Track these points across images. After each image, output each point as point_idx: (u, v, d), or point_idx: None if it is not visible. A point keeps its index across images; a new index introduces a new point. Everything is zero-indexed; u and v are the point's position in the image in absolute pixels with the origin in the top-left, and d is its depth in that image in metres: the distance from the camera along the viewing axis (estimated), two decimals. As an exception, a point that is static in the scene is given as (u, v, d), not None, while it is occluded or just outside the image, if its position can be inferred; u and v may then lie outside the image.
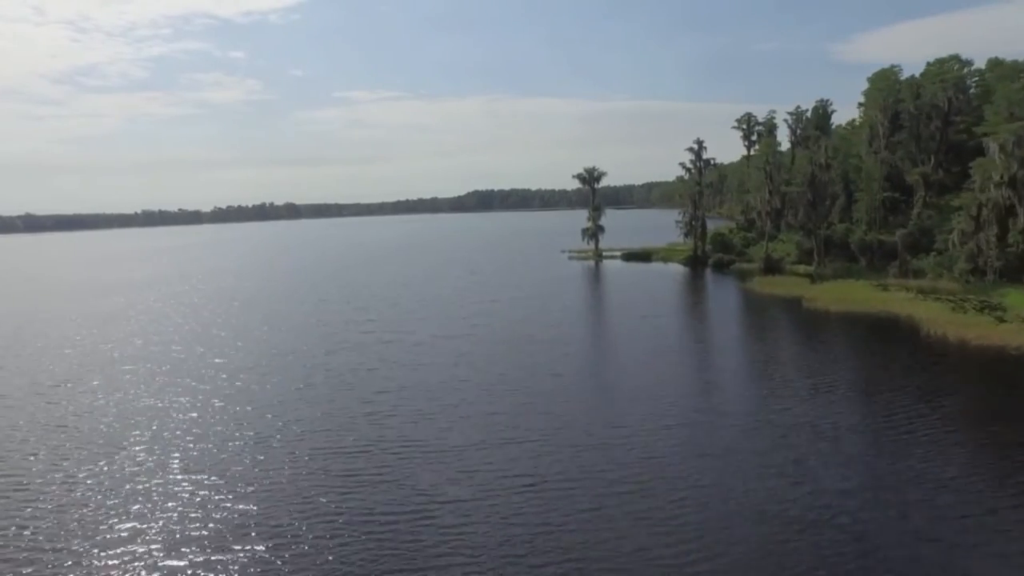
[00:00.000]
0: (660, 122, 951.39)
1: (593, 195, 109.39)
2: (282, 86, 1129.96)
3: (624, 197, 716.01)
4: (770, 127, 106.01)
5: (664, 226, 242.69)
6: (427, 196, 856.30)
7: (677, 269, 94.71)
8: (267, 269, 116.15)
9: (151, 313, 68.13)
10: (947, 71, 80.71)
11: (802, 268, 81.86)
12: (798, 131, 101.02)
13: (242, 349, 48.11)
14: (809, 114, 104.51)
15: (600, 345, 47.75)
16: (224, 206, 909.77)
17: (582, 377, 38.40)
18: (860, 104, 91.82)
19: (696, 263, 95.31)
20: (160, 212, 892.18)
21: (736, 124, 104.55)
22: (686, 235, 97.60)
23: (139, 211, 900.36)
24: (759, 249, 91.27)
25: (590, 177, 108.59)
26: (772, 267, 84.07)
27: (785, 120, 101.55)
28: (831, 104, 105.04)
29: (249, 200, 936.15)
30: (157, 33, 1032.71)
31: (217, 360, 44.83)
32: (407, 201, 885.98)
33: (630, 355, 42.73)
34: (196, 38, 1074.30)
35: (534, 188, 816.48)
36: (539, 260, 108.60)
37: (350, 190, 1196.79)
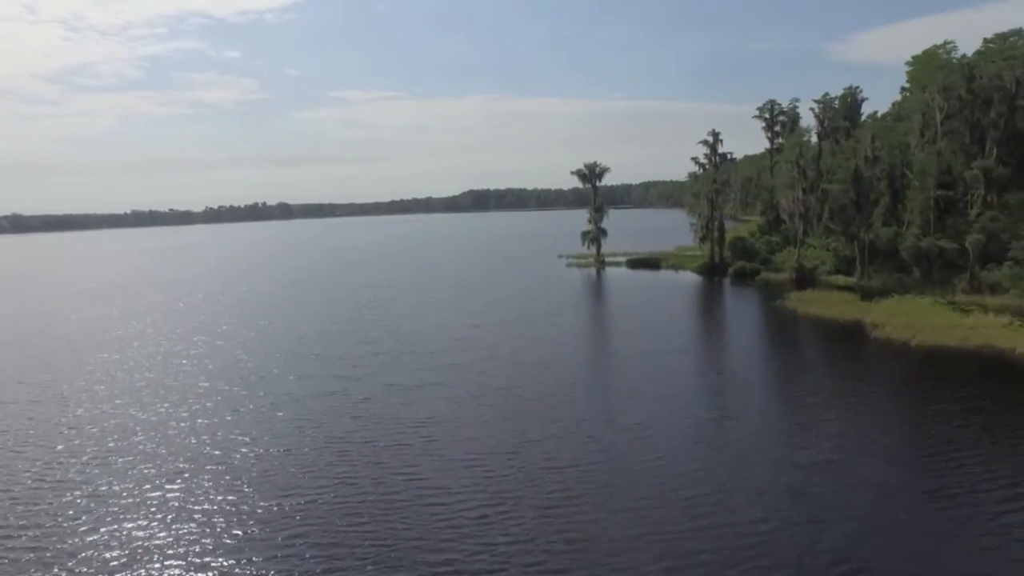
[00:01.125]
0: (657, 122, 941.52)
1: (595, 194, 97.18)
2: (277, 86, 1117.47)
3: (622, 197, 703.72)
4: (793, 118, 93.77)
5: (668, 227, 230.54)
6: (424, 196, 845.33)
7: (691, 279, 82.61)
8: (229, 281, 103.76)
9: (73, 339, 55.82)
10: (1011, 48, 68.68)
11: (841, 279, 69.75)
12: (826, 122, 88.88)
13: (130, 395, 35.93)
14: (836, 103, 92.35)
15: (608, 406, 35.26)
16: (216, 206, 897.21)
17: (585, 467, 26.02)
18: (903, 89, 79.79)
19: (713, 272, 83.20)
20: (151, 212, 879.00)
21: (758, 113, 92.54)
22: (702, 239, 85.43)
23: (129, 211, 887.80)
24: (787, 256, 79.17)
25: (591, 173, 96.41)
26: (805, 278, 72.03)
27: (812, 109, 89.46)
28: (861, 92, 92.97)
29: (244, 200, 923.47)
30: (152, 32, 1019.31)
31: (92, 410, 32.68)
32: (401, 201, 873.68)
33: (650, 427, 29.96)
34: (191, 37, 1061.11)
35: (530, 188, 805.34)
36: (533, 268, 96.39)
37: (345, 190, 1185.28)
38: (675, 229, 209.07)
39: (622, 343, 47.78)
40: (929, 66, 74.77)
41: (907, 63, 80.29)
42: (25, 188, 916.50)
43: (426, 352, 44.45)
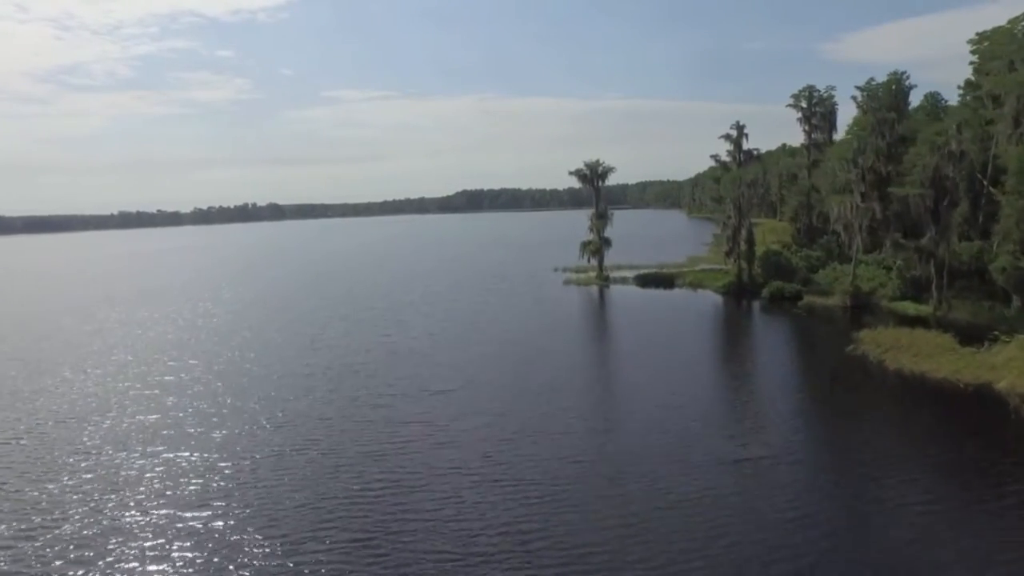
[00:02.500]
0: (652, 121, 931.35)
1: (597, 197, 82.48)
2: (271, 85, 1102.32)
3: (618, 197, 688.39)
4: (829, 108, 78.87)
5: (673, 233, 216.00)
6: (418, 195, 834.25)
7: (714, 302, 68.24)
8: (176, 303, 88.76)
9: None
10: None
11: (909, 307, 55.36)
12: (870, 112, 74.37)
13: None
14: (880, 92, 77.87)
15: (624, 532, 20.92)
16: (205, 207, 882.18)
17: None
18: (975, 70, 65.39)
19: (741, 293, 68.91)
20: (138, 213, 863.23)
21: (793, 102, 77.50)
22: (728, 253, 70.92)
23: (116, 212, 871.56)
24: (836, 276, 64.76)
25: (593, 174, 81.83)
26: (863, 305, 57.72)
27: (854, 98, 74.95)
28: (908, 77, 78.34)
29: (236, 200, 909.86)
30: (144, 32, 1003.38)
31: None
32: (394, 201, 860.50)
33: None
34: (183, 37, 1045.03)
35: (525, 188, 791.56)
36: (524, 285, 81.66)
37: (338, 190, 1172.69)
38: (681, 235, 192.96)
39: (643, 422, 33.12)
40: (1002, 43, 60.74)
41: (971, 41, 66.36)
42: (11, 188, 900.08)
43: (351, 450, 29.72)
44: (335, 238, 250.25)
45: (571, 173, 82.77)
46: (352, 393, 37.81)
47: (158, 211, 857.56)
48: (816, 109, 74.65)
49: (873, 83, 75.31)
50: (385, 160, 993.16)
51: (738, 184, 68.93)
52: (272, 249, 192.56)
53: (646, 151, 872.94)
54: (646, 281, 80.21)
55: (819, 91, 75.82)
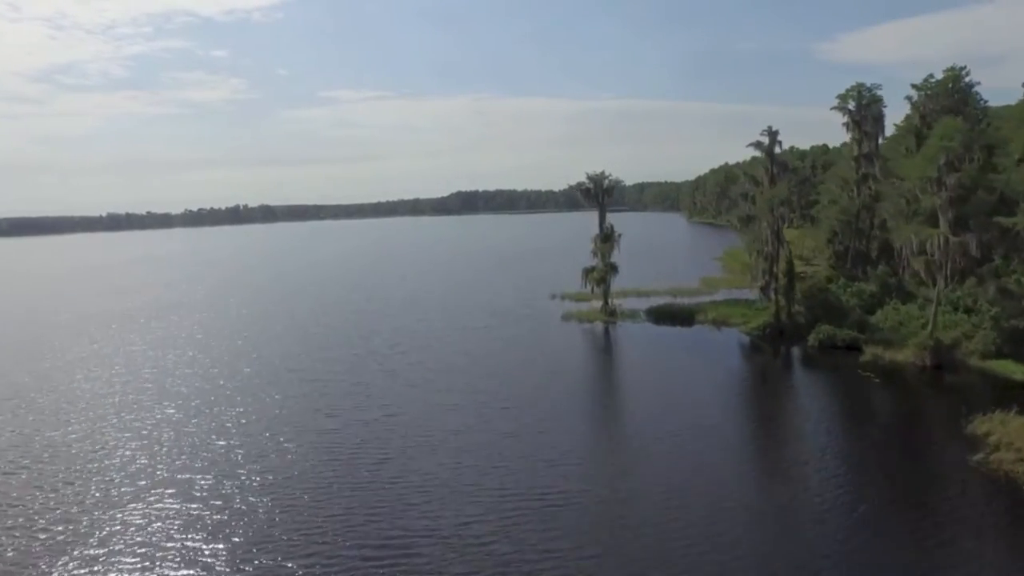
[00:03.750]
0: (647, 121, 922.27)
1: (602, 216, 69.48)
2: (266, 85, 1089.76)
3: (615, 198, 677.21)
4: (877, 113, 65.68)
5: (679, 243, 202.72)
6: (413, 196, 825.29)
7: (745, 348, 55.84)
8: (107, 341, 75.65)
9: None
10: None
11: (1015, 369, 42.73)
12: (925, 113, 61.84)
13: None
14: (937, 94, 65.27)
15: None
16: (196, 208, 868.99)
17: None
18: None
19: (779, 337, 56.30)
20: (127, 215, 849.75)
21: (839, 103, 64.17)
22: (763, 289, 58.13)
23: (104, 214, 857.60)
24: (897, 319, 52.11)
25: (597, 187, 68.97)
26: (946, 362, 45.18)
27: (909, 98, 62.37)
28: (968, 73, 65.69)
29: (230, 200, 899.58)
30: (138, 31, 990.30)
31: None
32: (388, 203, 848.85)
33: None
34: (178, 36, 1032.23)
35: (520, 189, 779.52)
36: (517, 322, 68.71)
37: (333, 191, 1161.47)
38: (687, 243, 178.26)
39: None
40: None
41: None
42: (5, 189, 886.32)
43: None
44: (320, 246, 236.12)
45: (571, 187, 70.04)
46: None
47: (147, 213, 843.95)
48: (865, 113, 61.65)
49: (932, 80, 62.80)
50: (380, 160, 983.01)
51: (774, 204, 56.14)
52: (249, 261, 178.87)
53: (642, 151, 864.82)
54: (660, 316, 67.41)
55: (869, 90, 62.79)
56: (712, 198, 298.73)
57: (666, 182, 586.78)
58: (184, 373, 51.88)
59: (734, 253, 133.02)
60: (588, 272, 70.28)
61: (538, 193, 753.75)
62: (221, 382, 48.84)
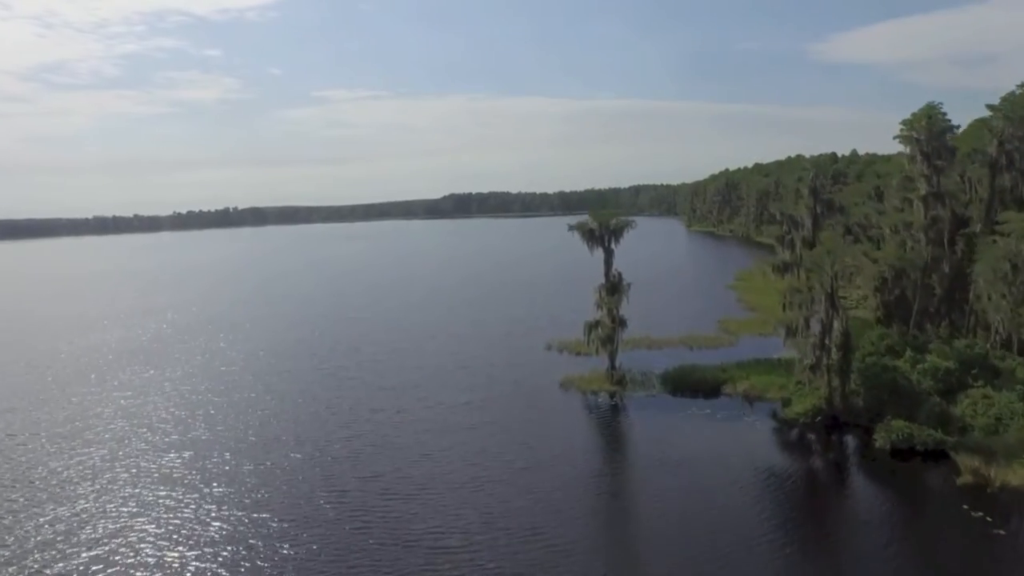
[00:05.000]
0: (643, 121, 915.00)
1: (608, 264, 57.87)
2: (260, 85, 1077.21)
3: (609, 201, 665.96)
4: (948, 146, 53.26)
5: (679, 255, 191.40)
6: (407, 197, 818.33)
7: (789, 438, 44.49)
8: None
9: None
10: None
11: None
12: (1004, 140, 50.56)
13: None
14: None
15: None
16: (185, 211, 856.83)
17: None
18: None
19: (832, 429, 45.09)
20: (114, 218, 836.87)
21: (903, 130, 51.23)
22: (813, 368, 46.62)
23: (91, 217, 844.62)
24: (993, 410, 40.85)
25: (603, 228, 57.39)
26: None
27: (984, 120, 51.03)
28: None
29: (224, 201, 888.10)
30: (130, 30, 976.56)
31: None
32: (381, 204, 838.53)
33: None
34: (171, 35, 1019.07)
35: (515, 191, 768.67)
36: (502, 395, 57.11)
37: (328, 191, 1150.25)
38: (691, 260, 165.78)
39: None
40: None
41: None
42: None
43: None
44: (292, 258, 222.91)
45: (571, 228, 58.40)
46: None
47: (135, 216, 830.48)
48: (935, 144, 49.95)
49: (1015, 94, 51.46)
50: (374, 161, 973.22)
51: (830, 260, 44.66)
52: (215, 276, 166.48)
53: (637, 151, 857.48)
54: (678, 384, 55.94)
55: (943, 114, 50.95)
56: (713, 206, 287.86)
57: (663, 185, 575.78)
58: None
59: (746, 277, 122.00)
60: (592, 328, 58.70)
61: (532, 195, 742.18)
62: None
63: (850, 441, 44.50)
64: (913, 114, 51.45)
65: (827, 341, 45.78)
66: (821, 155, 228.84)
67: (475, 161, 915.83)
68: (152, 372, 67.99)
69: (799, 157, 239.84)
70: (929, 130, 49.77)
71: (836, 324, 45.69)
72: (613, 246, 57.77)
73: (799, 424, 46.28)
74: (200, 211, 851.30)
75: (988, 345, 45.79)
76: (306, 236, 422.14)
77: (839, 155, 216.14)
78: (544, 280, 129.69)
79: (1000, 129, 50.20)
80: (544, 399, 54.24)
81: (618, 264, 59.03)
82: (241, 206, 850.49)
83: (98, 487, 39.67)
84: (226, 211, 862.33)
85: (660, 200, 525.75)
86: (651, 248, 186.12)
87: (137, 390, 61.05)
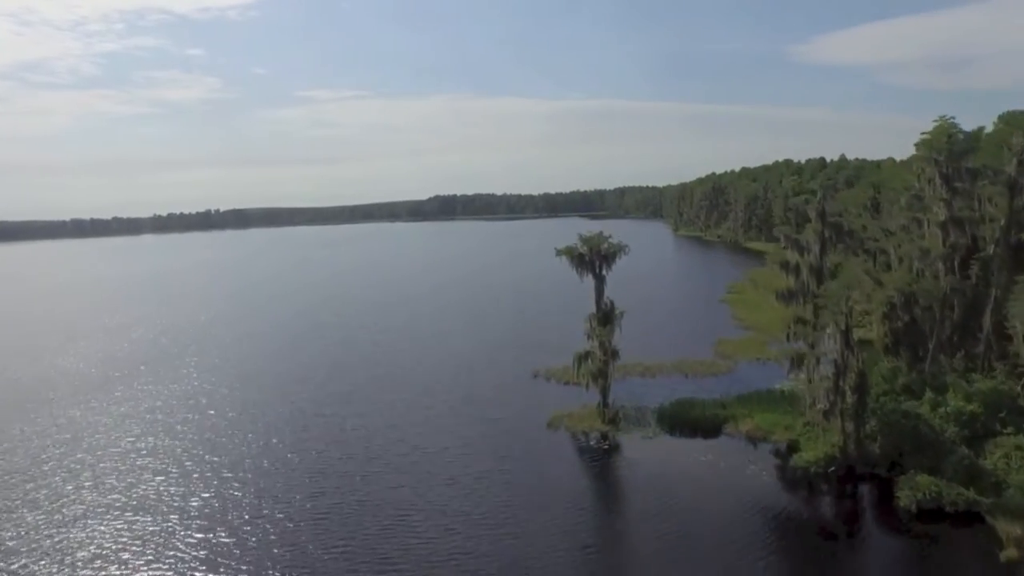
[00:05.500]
0: (623, 121, 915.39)
1: (599, 293, 53.48)
2: (243, 84, 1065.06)
3: (594, 203, 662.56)
4: (970, 168, 49.08)
5: (666, 261, 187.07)
6: (392, 198, 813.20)
7: (798, 487, 40.39)
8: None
9: None
10: None
11: None
12: None
13: None
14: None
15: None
16: (166, 213, 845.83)
17: None
18: None
19: (850, 478, 41.05)
20: (92, 221, 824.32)
21: (923, 151, 46.37)
22: (826, 414, 42.48)
23: (68, 219, 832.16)
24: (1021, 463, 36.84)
25: (593, 253, 52.96)
26: None
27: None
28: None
29: (207, 202, 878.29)
30: (109, 28, 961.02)
31: None
32: (365, 206, 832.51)
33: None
34: (151, 34, 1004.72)
35: (499, 193, 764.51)
36: (482, 439, 52.52)
37: (312, 191, 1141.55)
38: (678, 268, 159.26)
39: None
40: None
41: None
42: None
43: None
44: (266, 265, 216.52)
45: (560, 253, 53.87)
46: None
47: (113, 218, 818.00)
48: (955, 165, 45.80)
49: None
50: (357, 161, 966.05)
51: (844, 297, 40.49)
52: (175, 287, 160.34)
53: (620, 151, 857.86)
54: (675, 422, 51.70)
55: (963, 132, 46.82)
56: (700, 210, 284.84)
57: (648, 187, 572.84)
58: None
59: (739, 290, 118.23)
60: (581, 360, 54.26)
61: (517, 197, 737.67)
62: None
63: (868, 494, 40.43)
64: (934, 127, 47.41)
65: (841, 383, 41.66)
66: (809, 160, 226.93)
67: (459, 161, 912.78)
68: (82, 412, 62.78)
69: (787, 162, 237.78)
70: (949, 150, 45.79)
71: (851, 364, 41.53)
72: (605, 272, 53.26)
73: (810, 473, 42.14)
74: (181, 213, 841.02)
75: (1021, 387, 41.89)
76: (287, 240, 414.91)
77: (828, 160, 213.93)
78: (531, 290, 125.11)
79: (1020, 147, 46.28)
80: (531, 443, 49.71)
81: (611, 280, 54.86)
82: (225, 207, 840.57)
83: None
84: (207, 213, 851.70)
85: (646, 202, 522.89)
86: (638, 255, 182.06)
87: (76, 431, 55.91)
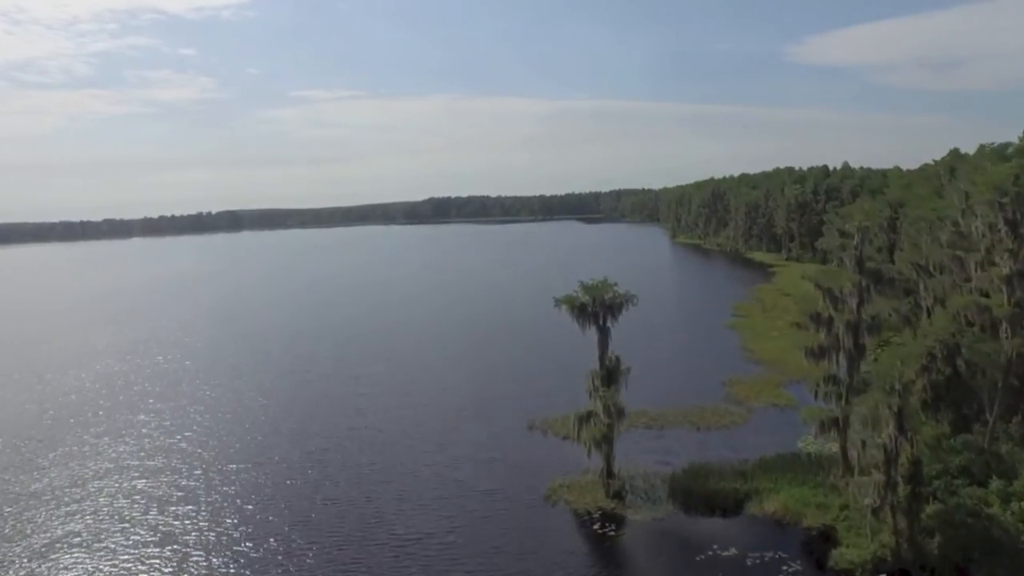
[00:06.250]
0: (620, 121, 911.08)
1: (603, 347, 46.97)
2: (236, 84, 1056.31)
3: (590, 206, 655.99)
4: None
5: (665, 274, 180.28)
6: (388, 199, 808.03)
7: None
8: None
9: None
10: None
11: None
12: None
13: None
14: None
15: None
16: (156, 216, 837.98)
17: None
18: None
19: (905, 587, 34.52)
20: (82, 223, 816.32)
21: (990, 196, 39.95)
22: (876, 511, 35.96)
23: (57, 221, 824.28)
24: None
25: (597, 306, 46.36)
26: None
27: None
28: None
29: (200, 203, 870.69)
30: (102, 28, 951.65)
31: None
32: (359, 207, 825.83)
33: None
34: (144, 34, 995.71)
35: (494, 195, 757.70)
36: (467, 518, 46.00)
37: (307, 191, 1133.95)
38: (686, 290, 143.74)
39: None
40: None
41: None
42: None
43: None
44: (246, 276, 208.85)
45: (559, 303, 47.22)
46: None
47: (104, 220, 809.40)
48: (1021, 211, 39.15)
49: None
50: (353, 162, 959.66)
51: (898, 374, 34.03)
52: (146, 301, 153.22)
53: (616, 152, 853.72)
54: (690, 499, 45.13)
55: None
56: (699, 217, 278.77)
57: (644, 190, 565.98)
58: None
59: (745, 311, 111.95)
60: (582, 421, 47.69)
61: (513, 199, 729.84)
62: None
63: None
64: (992, 166, 41.11)
65: (892, 473, 35.18)
66: (812, 168, 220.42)
67: (455, 162, 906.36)
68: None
69: (789, 170, 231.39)
70: (1017, 193, 39.35)
71: (903, 449, 35.06)
72: (610, 324, 46.70)
73: (853, 570, 35.68)
74: (172, 215, 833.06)
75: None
76: (277, 245, 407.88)
77: (831, 168, 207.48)
78: (529, 312, 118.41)
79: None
80: (526, 526, 43.05)
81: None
82: (219, 208, 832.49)
83: None
84: (199, 216, 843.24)
85: (642, 206, 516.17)
86: (636, 267, 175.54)
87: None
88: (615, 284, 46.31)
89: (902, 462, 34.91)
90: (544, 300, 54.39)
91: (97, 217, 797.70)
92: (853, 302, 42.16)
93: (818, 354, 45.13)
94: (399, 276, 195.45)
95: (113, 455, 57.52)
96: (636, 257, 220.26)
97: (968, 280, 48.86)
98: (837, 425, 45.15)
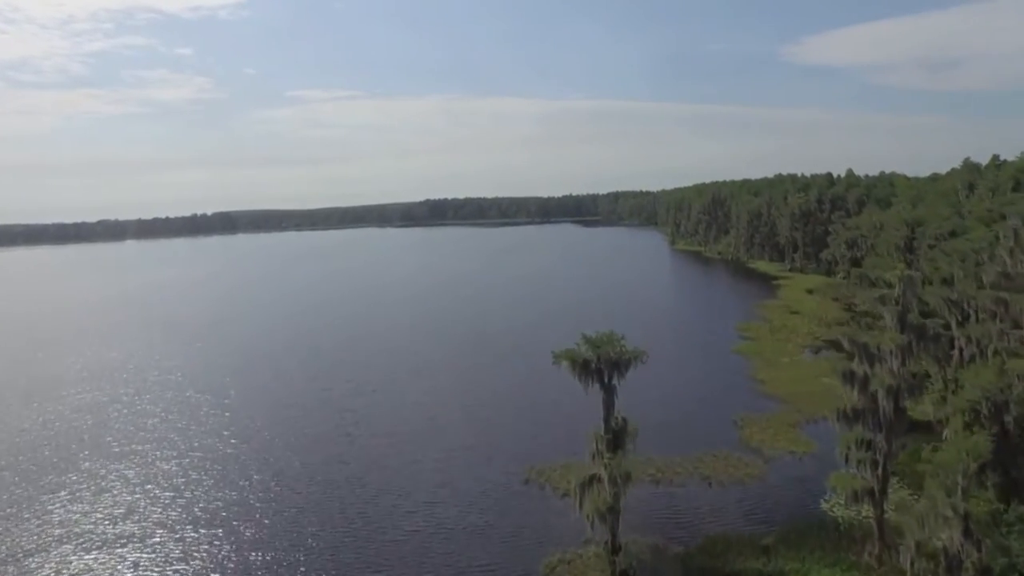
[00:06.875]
0: (618, 121, 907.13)
1: (608, 410, 41.64)
2: (233, 84, 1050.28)
3: (588, 208, 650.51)
4: None
5: (665, 285, 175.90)
6: (384, 200, 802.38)
7: None
8: None
9: None
10: None
11: None
12: None
13: None
14: None
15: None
16: (151, 217, 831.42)
17: None
18: None
19: None
20: (75, 225, 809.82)
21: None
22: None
23: (51, 223, 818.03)
24: None
25: (603, 363, 40.93)
26: None
27: None
28: None
29: (195, 204, 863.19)
30: (97, 27, 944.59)
31: None
32: (355, 209, 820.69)
33: None
34: (140, 33, 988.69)
35: (491, 196, 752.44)
36: None
37: (303, 191, 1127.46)
38: (688, 306, 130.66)
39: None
40: None
41: None
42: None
43: None
44: (215, 294, 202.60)
45: (557, 357, 41.77)
46: None
47: (99, 221, 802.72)
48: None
49: None
50: (351, 161, 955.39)
51: (965, 468, 28.74)
52: (118, 319, 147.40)
53: (614, 153, 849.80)
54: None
55: None
56: (699, 224, 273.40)
57: (642, 192, 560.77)
58: None
59: (752, 333, 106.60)
60: (585, 488, 42.24)
61: (510, 201, 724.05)
62: None
63: None
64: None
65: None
66: (816, 175, 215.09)
67: (451, 162, 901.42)
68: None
69: (792, 177, 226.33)
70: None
71: (969, 553, 29.74)
72: (616, 382, 41.32)
73: None
74: (167, 217, 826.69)
75: None
76: (270, 248, 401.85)
77: (835, 176, 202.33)
78: (530, 334, 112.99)
79: None
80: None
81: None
82: (214, 208, 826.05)
83: None
84: (193, 218, 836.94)
85: (640, 209, 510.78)
86: (636, 280, 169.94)
87: None
88: (622, 338, 40.87)
89: (966, 567, 29.61)
90: (543, 322, 48.74)
91: (92, 218, 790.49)
92: (895, 363, 36.87)
93: (852, 418, 39.83)
94: (400, 286, 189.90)
95: (78, 512, 52.04)
96: (636, 267, 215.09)
97: (1017, 327, 43.63)
98: (872, 496, 40.14)
